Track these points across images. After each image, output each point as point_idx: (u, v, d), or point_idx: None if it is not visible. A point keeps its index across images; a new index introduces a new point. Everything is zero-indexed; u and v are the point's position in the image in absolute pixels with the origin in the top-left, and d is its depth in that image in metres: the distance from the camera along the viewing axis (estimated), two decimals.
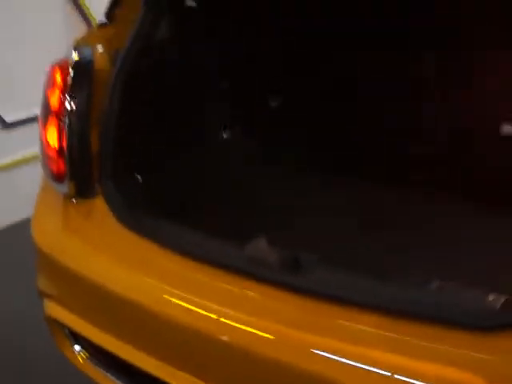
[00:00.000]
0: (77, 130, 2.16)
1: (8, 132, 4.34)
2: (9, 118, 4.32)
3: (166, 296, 1.83)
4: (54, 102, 2.19)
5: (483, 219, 2.11)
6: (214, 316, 1.70)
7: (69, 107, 2.15)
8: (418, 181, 2.33)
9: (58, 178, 2.21)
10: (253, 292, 1.72)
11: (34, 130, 4.05)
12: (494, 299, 1.50)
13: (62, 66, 2.20)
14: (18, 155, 4.36)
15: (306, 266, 1.71)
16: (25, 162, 4.36)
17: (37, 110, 3.89)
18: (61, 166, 2.19)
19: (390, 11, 2.31)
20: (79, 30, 4.40)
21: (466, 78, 2.27)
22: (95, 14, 4.53)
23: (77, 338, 2.20)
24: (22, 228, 3.95)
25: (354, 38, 2.41)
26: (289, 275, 1.69)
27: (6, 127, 4.33)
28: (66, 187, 2.19)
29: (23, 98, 4.12)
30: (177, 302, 1.80)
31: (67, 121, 2.15)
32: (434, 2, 2.23)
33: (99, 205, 2.14)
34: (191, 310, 1.75)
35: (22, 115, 4.30)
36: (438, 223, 2.15)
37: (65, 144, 2.16)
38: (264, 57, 2.55)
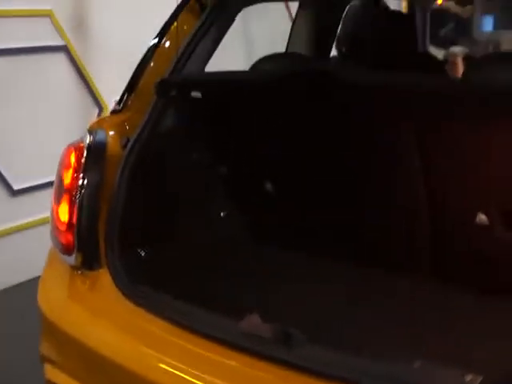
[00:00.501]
0: (87, 207, 2.21)
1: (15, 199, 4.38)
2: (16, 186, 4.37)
3: (162, 366, 1.84)
4: (68, 180, 2.25)
5: (457, 300, 2.15)
6: None
7: (81, 186, 2.22)
8: (395, 260, 2.37)
9: (66, 250, 2.25)
10: (245, 365, 1.75)
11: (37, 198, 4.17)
12: (472, 379, 1.55)
13: (77, 148, 2.27)
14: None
15: (298, 343, 1.75)
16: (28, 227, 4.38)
17: (42, 180, 4.06)
18: (69, 239, 2.23)
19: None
20: (88, 109, 4.58)
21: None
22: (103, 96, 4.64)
23: None
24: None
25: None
26: (281, 350, 1.72)
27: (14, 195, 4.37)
28: (73, 259, 2.23)
29: (30, 169, 4.21)
30: (173, 371, 1.81)
31: (79, 198, 2.22)
32: None
33: (104, 277, 2.17)
34: (185, 380, 1.77)
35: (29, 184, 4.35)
36: (420, 303, 2.19)
37: (75, 219, 2.22)
38: (260, 149, 2.62)
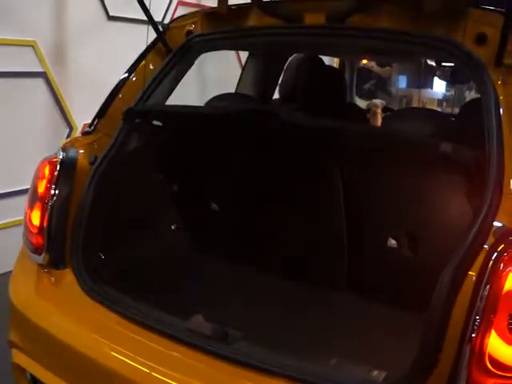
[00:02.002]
0: (57, 213, 2.19)
1: None
2: None
3: (114, 353, 1.83)
4: (41, 189, 2.22)
5: (369, 309, 2.20)
6: (146, 370, 1.72)
7: (53, 195, 2.19)
8: (320, 275, 2.42)
9: (35, 250, 2.22)
10: (187, 356, 1.75)
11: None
12: (377, 374, 1.59)
13: (51, 162, 2.24)
14: None
15: (233, 339, 1.76)
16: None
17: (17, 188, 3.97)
18: (39, 240, 2.20)
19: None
20: (60, 129, 4.52)
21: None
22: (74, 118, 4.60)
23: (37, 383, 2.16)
24: None
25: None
26: (218, 345, 1.74)
27: None
28: (41, 258, 2.19)
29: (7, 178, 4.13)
30: (123, 358, 1.81)
31: (50, 205, 2.19)
32: None
33: (67, 276, 2.16)
34: (131, 365, 1.77)
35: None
36: (329, 310, 2.24)
37: (45, 224, 2.19)
38: (207, 171, 2.64)
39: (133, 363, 1.77)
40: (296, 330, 2.03)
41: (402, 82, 13.42)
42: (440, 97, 11.92)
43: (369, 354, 1.79)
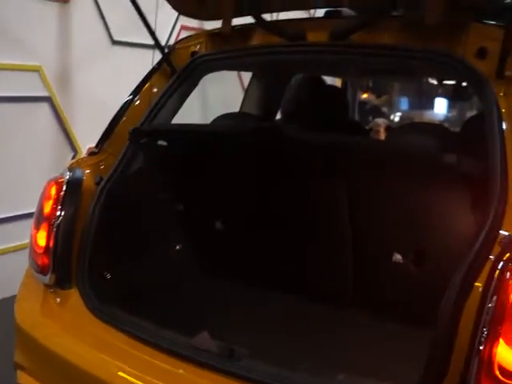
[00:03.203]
0: (62, 234, 2.18)
1: None
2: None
3: (121, 373, 1.81)
4: (47, 209, 2.22)
5: (375, 323, 2.19)
6: None
7: (59, 215, 2.19)
8: (324, 290, 2.41)
9: (41, 270, 2.21)
10: (194, 374, 1.74)
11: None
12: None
13: (57, 182, 2.25)
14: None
15: (239, 356, 1.75)
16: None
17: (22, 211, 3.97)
18: (45, 261, 2.19)
19: None
20: (65, 152, 4.54)
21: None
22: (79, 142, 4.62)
23: None
24: None
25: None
26: (224, 363, 1.73)
27: None
28: (47, 279, 2.19)
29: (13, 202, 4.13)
30: (131, 379, 1.79)
31: (56, 226, 2.19)
32: None
33: (74, 295, 2.15)
34: None
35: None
36: (340, 328, 2.22)
37: (51, 244, 2.18)
38: (212, 190, 2.64)
39: (141, 383, 1.76)
40: (303, 346, 2.02)
41: (404, 103, 13.54)
42: (441, 118, 11.99)
43: (376, 369, 1.77)
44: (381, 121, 5.36)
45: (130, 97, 2.55)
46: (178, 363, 1.77)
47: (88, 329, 2.02)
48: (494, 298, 1.40)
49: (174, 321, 2.01)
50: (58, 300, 2.19)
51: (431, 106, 12.58)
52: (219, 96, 5.31)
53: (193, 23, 4.86)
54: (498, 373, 1.39)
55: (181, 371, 1.76)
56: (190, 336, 1.85)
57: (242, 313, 2.26)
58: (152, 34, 2.44)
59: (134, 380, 1.78)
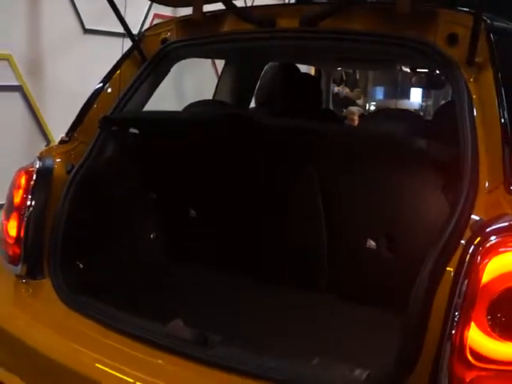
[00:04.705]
0: (33, 223, 2.16)
1: None
2: None
3: (93, 363, 1.80)
4: (18, 199, 2.19)
5: (347, 309, 2.19)
6: (131, 380, 1.71)
7: (29, 205, 2.16)
8: (297, 278, 2.41)
9: (12, 260, 2.19)
10: (168, 362, 1.74)
11: None
12: (359, 372, 1.58)
13: (27, 172, 2.22)
14: None
15: (212, 343, 1.75)
16: None
17: None
18: (16, 251, 2.17)
19: None
20: (37, 142, 4.47)
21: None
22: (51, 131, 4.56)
23: None
24: None
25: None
26: (198, 349, 1.72)
27: None
28: (18, 269, 2.16)
29: None
30: (102, 367, 1.78)
31: (26, 215, 2.16)
32: None
33: (46, 286, 2.12)
34: (113, 375, 1.74)
35: None
36: (311, 312, 2.23)
37: (22, 234, 2.16)
38: (184, 178, 2.62)
39: (115, 372, 1.74)
40: (277, 332, 2.02)
41: (379, 93, 13.63)
42: (417, 106, 12.10)
43: (351, 354, 1.78)
44: (355, 109, 5.38)
45: (100, 85, 2.51)
46: (151, 351, 1.76)
47: (61, 319, 2.00)
48: (466, 282, 1.41)
49: (147, 309, 2.00)
50: (30, 290, 2.17)
51: (406, 95, 12.69)
52: (194, 84, 5.27)
53: (167, 11, 4.81)
54: (470, 357, 1.40)
55: (154, 359, 1.75)
56: (164, 324, 1.84)
57: (215, 300, 2.26)
58: (121, 20, 2.41)
59: (107, 369, 1.77)
